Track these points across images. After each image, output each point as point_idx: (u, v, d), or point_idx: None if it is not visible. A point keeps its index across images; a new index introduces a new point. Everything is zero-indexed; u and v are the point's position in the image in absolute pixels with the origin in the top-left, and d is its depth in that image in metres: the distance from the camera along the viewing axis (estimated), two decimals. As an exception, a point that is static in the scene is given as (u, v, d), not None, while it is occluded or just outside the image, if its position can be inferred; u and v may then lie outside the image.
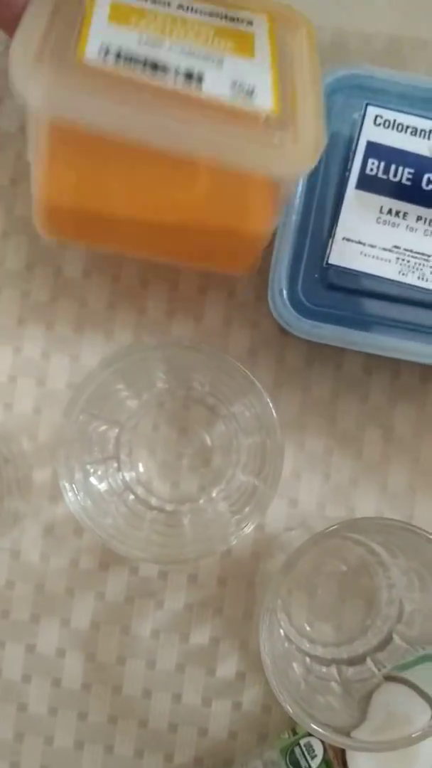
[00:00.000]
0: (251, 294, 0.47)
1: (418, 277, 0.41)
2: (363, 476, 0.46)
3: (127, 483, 0.44)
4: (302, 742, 0.41)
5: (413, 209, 0.41)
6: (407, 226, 0.41)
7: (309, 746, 0.40)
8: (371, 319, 0.41)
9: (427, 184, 0.41)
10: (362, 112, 0.41)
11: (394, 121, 0.41)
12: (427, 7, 0.49)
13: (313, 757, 0.40)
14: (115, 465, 0.44)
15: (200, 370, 0.43)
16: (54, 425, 0.46)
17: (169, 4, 0.39)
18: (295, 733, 0.42)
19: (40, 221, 0.41)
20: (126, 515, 0.42)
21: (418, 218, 0.41)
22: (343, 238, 0.41)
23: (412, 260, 0.41)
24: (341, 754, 0.39)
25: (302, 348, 0.46)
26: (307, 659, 0.42)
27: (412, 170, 0.41)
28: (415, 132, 0.41)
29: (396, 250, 0.41)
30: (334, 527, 0.35)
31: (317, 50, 0.40)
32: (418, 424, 0.46)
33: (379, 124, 0.41)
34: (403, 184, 0.41)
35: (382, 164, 0.41)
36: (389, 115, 0.41)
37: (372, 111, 0.41)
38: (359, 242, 0.41)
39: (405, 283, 0.41)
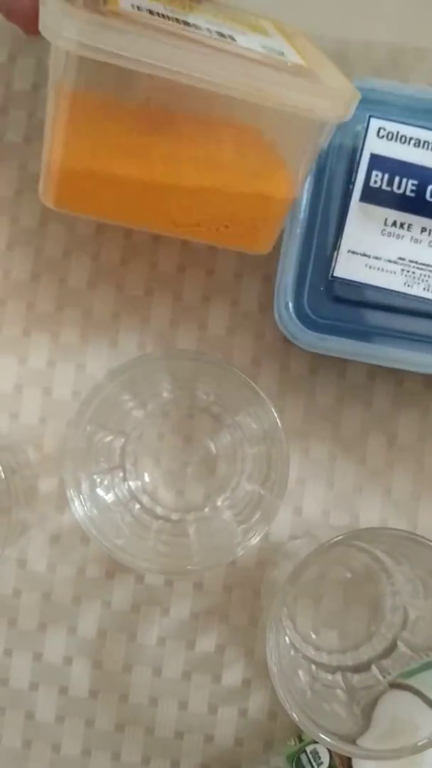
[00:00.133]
0: (255, 302, 0.47)
1: (424, 288, 0.41)
2: (367, 483, 0.46)
3: (133, 492, 0.45)
4: (308, 749, 0.41)
5: (418, 221, 0.41)
6: (412, 237, 0.41)
7: (315, 753, 0.41)
8: (377, 331, 0.42)
9: (431, 196, 0.41)
10: (365, 124, 0.41)
11: (397, 133, 0.41)
12: (428, 17, 0.49)
13: (319, 764, 0.40)
14: (121, 474, 0.44)
15: (205, 381, 0.43)
16: (60, 434, 0.46)
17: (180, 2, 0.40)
18: (301, 740, 0.42)
19: (50, 188, 0.40)
20: (132, 525, 0.42)
21: (423, 229, 0.41)
22: (348, 251, 0.41)
23: (418, 271, 0.41)
24: (347, 761, 0.40)
25: (306, 356, 0.46)
26: (313, 667, 0.42)
27: (415, 182, 0.41)
28: (418, 143, 0.41)
29: (401, 261, 0.41)
30: (339, 537, 0.36)
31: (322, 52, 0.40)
32: (421, 430, 0.46)
33: (383, 137, 0.41)
34: (407, 196, 0.41)
35: (386, 176, 0.41)
36: (392, 127, 0.41)
37: (375, 123, 0.41)
38: (364, 254, 0.41)
39: (410, 295, 0.41)
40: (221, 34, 0.36)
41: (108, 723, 0.45)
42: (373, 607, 0.44)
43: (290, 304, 0.41)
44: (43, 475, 0.46)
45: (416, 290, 0.41)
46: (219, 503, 0.45)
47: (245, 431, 0.44)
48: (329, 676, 0.42)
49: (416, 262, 0.41)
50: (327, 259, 0.42)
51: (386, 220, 0.41)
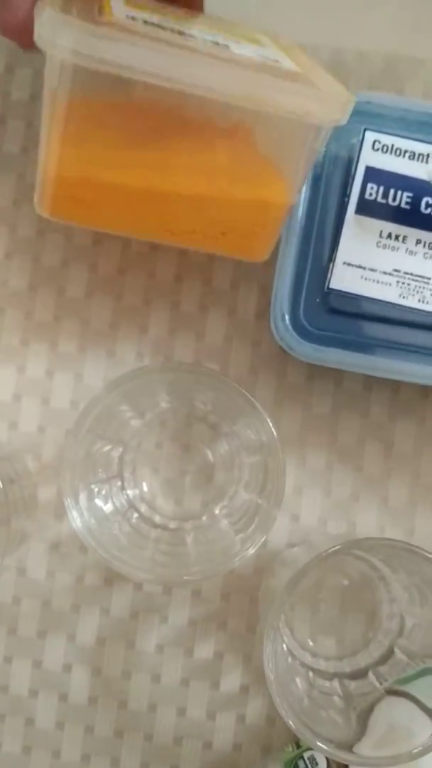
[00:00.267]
0: (252, 312, 0.47)
1: (419, 300, 0.41)
2: (364, 491, 0.47)
3: (131, 501, 0.45)
4: (306, 755, 0.41)
5: (413, 233, 0.41)
6: (407, 249, 0.41)
7: (312, 759, 0.41)
8: (373, 342, 0.42)
9: (426, 208, 0.41)
10: (360, 137, 0.41)
11: (392, 145, 0.41)
12: (424, 27, 0.49)
13: (316, 771, 0.41)
14: (119, 484, 0.45)
15: (202, 391, 0.44)
16: (58, 443, 0.47)
17: (176, 12, 0.40)
18: (298, 746, 0.42)
19: (46, 198, 0.40)
20: (130, 535, 0.43)
21: (418, 241, 0.41)
22: (344, 263, 0.41)
23: (413, 283, 0.41)
24: (344, 767, 0.40)
25: (303, 365, 0.46)
26: (310, 674, 0.42)
27: (410, 194, 0.41)
28: (413, 156, 0.41)
29: (396, 273, 0.41)
30: (336, 547, 0.36)
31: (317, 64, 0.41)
32: (418, 438, 0.47)
33: (378, 149, 0.41)
34: (402, 208, 0.41)
35: (381, 189, 0.41)
36: (387, 140, 0.41)
37: (370, 136, 0.41)
38: (360, 266, 0.41)
39: (406, 306, 0.41)
40: (216, 43, 0.36)
41: (107, 729, 0.45)
42: (370, 614, 0.45)
43: (286, 316, 0.41)
44: (42, 484, 0.46)
45: (411, 302, 0.41)
46: (217, 511, 0.45)
47: (242, 440, 0.44)
48: (326, 683, 0.42)
49: (411, 274, 0.41)
50: (323, 271, 0.42)
51: (381, 232, 0.41)
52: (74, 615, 0.46)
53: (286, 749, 0.43)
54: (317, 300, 0.42)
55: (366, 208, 0.41)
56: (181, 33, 0.35)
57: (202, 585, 0.46)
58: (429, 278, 0.41)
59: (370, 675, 0.42)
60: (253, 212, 0.40)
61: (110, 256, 0.48)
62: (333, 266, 0.41)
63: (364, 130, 0.41)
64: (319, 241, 0.42)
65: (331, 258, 0.42)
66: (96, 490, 0.42)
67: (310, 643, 0.45)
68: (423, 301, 0.41)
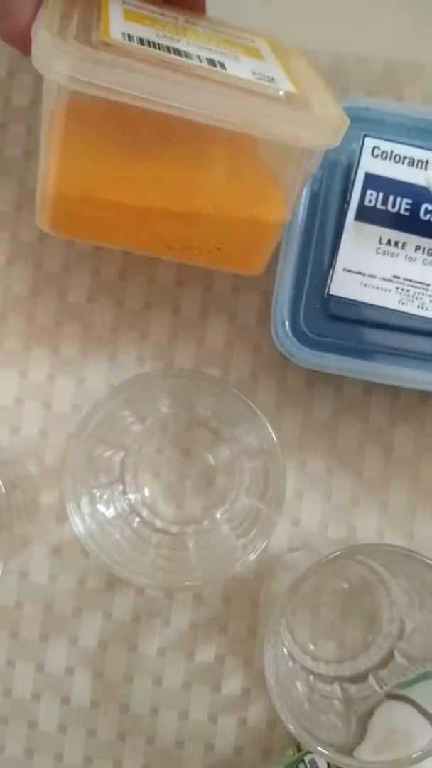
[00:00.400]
0: (252, 317, 0.48)
1: (418, 306, 0.42)
2: (364, 495, 0.47)
3: (133, 505, 0.45)
4: (306, 758, 0.42)
5: (412, 239, 0.41)
6: (406, 255, 0.42)
7: (313, 763, 0.41)
8: (373, 348, 0.42)
9: (425, 214, 0.41)
10: (360, 143, 0.42)
11: (392, 152, 0.42)
12: (423, 32, 0.49)
13: (317, 774, 0.41)
14: (121, 488, 0.45)
15: (203, 396, 0.44)
16: (60, 448, 0.47)
17: (176, 19, 0.40)
18: (299, 749, 0.43)
19: (46, 213, 0.40)
20: (132, 539, 0.43)
21: (417, 248, 0.42)
22: (344, 269, 0.42)
23: (412, 290, 0.41)
24: (345, 770, 0.40)
25: (303, 370, 0.46)
26: (311, 677, 0.42)
27: (410, 201, 0.41)
28: (412, 163, 0.42)
29: (396, 279, 0.42)
30: (336, 553, 0.36)
31: (316, 70, 0.41)
32: (417, 443, 0.47)
33: (377, 156, 0.42)
34: (402, 215, 0.41)
35: (381, 195, 0.41)
36: (387, 146, 0.41)
37: (369, 143, 0.41)
38: (359, 273, 0.42)
39: (405, 313, 0.42)
40: (211, 62, 0.36)
41: (109, 732, 0.46)
42: (371, 618, 0.45)
43: (287, 322, 0.42)
44: (44, 488, 0.47)
45: (410, 308, 0.42)
46: (218, 516, 0.45)
47: (243, 445, 0.44)
48: (327, 687, 0.42)
49: (410, 281, 0.42)
50: (323, 277, 0.42)
51: (381, 238, 0.42)
52: (76, 618, 0.46)
53: (287, 752, 0.43)
54: (317, 306, 0.42)
55: (365, 214, 0.42)
56: (176, 52, 0.36)
57: (203, 589, 0.46)
58: (428, 285, 0.42)
59: (370, 679, 0.42)
60: (248, 229, 0.40)
61: (111, 261, 0.48)
62: (333, 272, 0.42)
63: (364, 136, 0.42)
64: (319, 248, 0.42)
65: (331, 264, 0.42)
66: (98, 494, 0.42)
67: (311, 647, 0.45)
68: (422, 308, 0.42)
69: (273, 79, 0.37)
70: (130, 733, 0.46)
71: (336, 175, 0.43)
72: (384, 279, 0.42)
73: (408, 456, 0.47)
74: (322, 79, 0.39)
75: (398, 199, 0.41)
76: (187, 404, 0.45)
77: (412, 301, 0.42)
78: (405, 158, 0.42)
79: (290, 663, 0.43)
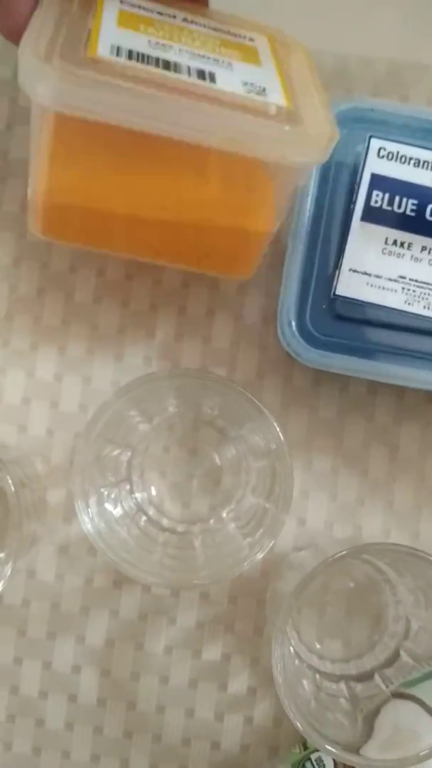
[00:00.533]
0: (258, 316, 0.48)
1: (424, 307, 0.42)
2: (369, 495, 0.47)
3: (140, 504, 0.45)
4: (313, 756, 0.42)
5: (418, 240, 0.42)
6: (412, 256, 0.42)
7: (319, 761, 0.41)
8: (378, 348, 0.42)
9: (431, 215, 0.42)
10: (366, 144, 0.42)
11: (397, 153, 0.42)
12: (428, 33, 0.49)
13: (323, 772, 0.41)
14: (128, 487, 0.45)
15: (209, 396, 0.44)
16: (67, 446, 0.47)
17: (174, 17, 0.40)
18: (305, 747, 0.43)
19: (36, 219, 0.41)
20: (139, 538, 0.43)
21: (423, 248, 0.42)
22: (350, 269, 0.42)
23: (418, 290, 0.42)
24: (351, 768, 0.41)
25: (309, 370, 0.47)
26: (317, 676, 0.43)
27: (415, 201, 0.42)
28: (418, 163, 0.42)
29: (402, 280, 0.42)
30: (343, 552, 0.37)
31: (317, 71, 0.41)
32: (423, 442, 0.47)
33: (383, 157, 0.42)
34: (408, 215, 0.42)
35: (387, 196, 0.42)
36: (392, 147, 0.42)
37: (375, 144, 0.42)
38: (365, 273, 0.42)
39: (411, 313, 0.42)
40: (201, 73, 0.36)
41: (116, 730, 0.46)
42: (376, 617, 0.45)
43: (293, 322, 0.42)
44: (51, 488, 0.47)
45: (416, 308, 0.42)
46: (224, 515, 0.45)
47: (249, 445, 0.45)
48: (333, 685, 0.43)
49: (416, 281, 0.42)
50: (329, 278, 0.42)
51: (387, 239, 0.42)
52: (83, 617, 0.46)
53: (293, 750, 0.44)
54: (323, 306, 0.42)
55: (372, 215, 0.42)
56: (166, 65, 0.35)
57: (209, 588, 0.46)
58: (434, 285, 0.42)
59: (376, 677, 0.43)
60: (237, 238, 0.41)
61: (118, 261, 0.48)
62: (339, 273, 0.42)
63: (370, 137, 0.42)
64: (325, 248, 0.43)
65: (337, 265, 0.42)
66: (105, 493, 0.42)
67: (317, 646, 0.45)
68: (428, 308, 0.42)
69: (264, 90, 0.36)
70: (137, 730, 0.46)
71: (342, 176, 0.43)
72: (390, 279, 0.42)
73: (413, 455, 0.47)
74: (319, 84, 0.39)
75: (404, 199, 0.42)
76: (193, 404, 0.46)
77: (418, 302, 0.42)
78: (411, 159, 0.42)
79: (297, 661, 0.43)
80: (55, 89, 0.32)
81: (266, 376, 0.47)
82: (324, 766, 0.41)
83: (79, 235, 0.43)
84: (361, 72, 0.49)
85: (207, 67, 0.36)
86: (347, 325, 0.42)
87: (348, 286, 0.42)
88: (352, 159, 0.43)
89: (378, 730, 0.39)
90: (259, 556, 0.39)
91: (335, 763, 0.41)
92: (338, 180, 0.43)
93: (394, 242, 0.42)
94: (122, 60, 0.34)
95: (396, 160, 0.42)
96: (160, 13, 0.40)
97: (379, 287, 0.42)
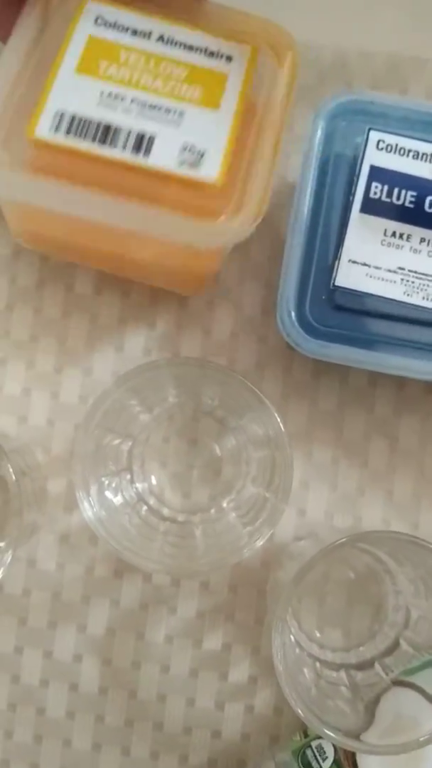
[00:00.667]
0: (258, 307, 0.48)
1: (423, 297, 0.42)
2: (369, 485, 0.47)
3: (140, 494, 0.46)
4: (314, 744, 0.42)
5: (417, 231, 0.42)
6: (411, 247, 0.42)
7: (320, 748, 0.42)
8: (378, 339, 0.42)
9: (430, 207, 0.42)
10: (365, 136, 0.42)
11: (396, 145, 0.42)
12: (427, 27, 0.50)
13: (324, 759, 0.41)
14: (129, 477, 0.45)
15: (210, 386, 0.44)
16: (67, 437, 0.47)
17: (149, 35, 0.39)
18: (306, 735, 0.43)
19: (14, 236, 0.46)
20: (139, 526, 0.43)
21: (422, 240, 0.42)
22: (349, 261, 0.42)
23: (417, 281, 0.42)
24: (352, 756, 0.41)
25: (309, 361, 0.47)
26: (318, 664, 0.43)
27: (414, 193, 0.42)
28: (417, 156, 0.42)
29: (401, 271, 0.42)
30: (342, 540, 0.37)
31: (297, 78, 0.40)
32: (422, 434, 0.47)
33: (382, 149, 0.42)
34: (407, 207, 0.42)
35: (386, 188, 0.42)
36: (391, 139, 0.42)
37: (374, 136, 0.42)
38: (365, 264, 0.42)
39: (410, 304, 0.42)
40: (138, 144, 0.38)
41: (117, 719, 0.46)
42: (376, 606, 0.45)
43: (293, 313, 0.42)
44: (52, 477, 0.47)
45: (416, 299, 0.42)
46: (224, 505, 0.46)
47: (250, 435, 0.45)
48: (333, 674, 0.43)
49: (415, 272, 0.42)
50: (328, 269, 0.42)
51: (386, 230, 0.42)
52: (84, 606, 0.46)
53: (294, 738, 0.44)
54: (323, 297, 0.43)
55: (371, 206, 0.42)
56: (105, 133, 0.37)
57: (210, 577, 0.46)
58: (433, 276, 0.42)
59: (377, 666, 0.43)
60: (185, 273, 0.45)
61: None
62: (338, 264, 0.42)
63: (369, 129, 0.42)
64: (325, 239, 0.43)
65: (337, 256, 0.42)
66: (106, 482, 0.42)
67: (317, 635, 0.45)
68: (427, 299, 0.42)
69: (202, 157, 0.38)
70: (138, 719, 0.46)
71: (341, 168, 0.43)
72: (389, 270, 0.42)
73: (413, 446, 0.47)
74: (283, 121, 0.39)
75: (403, 191, 0.42)
76: (193, 394, 0.46)
77: (417, 293, 0.42)
78: (410, 151, 0.42)
79: (297, 650, 0.43)
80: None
81: (266, 368, 0.48)
82: (325, 753, 0.41)
83: (55, 250, 0.47)
84: (361, 65, 0.49)
85: (150, 128, 0.38)
86: (347, 315, 0.43)
87: (347, 277, 0.42)
88: (351, 151, 0.43)
89: (379, 718, 0.39)
90: (259, 543, 0.39)
91: (336, 750, 0.41)
92: (337, 172, 0.43)
93: (393, 234, 0.42)
94: (61, 137, 0.37)
95: (395, 152, 0.42)
96: (134, 33, 0.39)
97: (379, 278, 0.42)
